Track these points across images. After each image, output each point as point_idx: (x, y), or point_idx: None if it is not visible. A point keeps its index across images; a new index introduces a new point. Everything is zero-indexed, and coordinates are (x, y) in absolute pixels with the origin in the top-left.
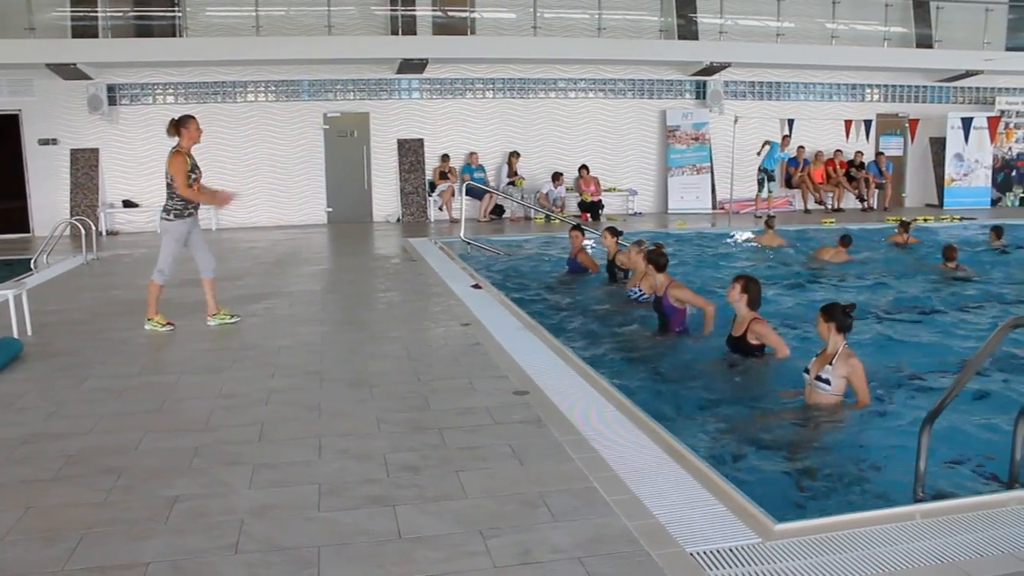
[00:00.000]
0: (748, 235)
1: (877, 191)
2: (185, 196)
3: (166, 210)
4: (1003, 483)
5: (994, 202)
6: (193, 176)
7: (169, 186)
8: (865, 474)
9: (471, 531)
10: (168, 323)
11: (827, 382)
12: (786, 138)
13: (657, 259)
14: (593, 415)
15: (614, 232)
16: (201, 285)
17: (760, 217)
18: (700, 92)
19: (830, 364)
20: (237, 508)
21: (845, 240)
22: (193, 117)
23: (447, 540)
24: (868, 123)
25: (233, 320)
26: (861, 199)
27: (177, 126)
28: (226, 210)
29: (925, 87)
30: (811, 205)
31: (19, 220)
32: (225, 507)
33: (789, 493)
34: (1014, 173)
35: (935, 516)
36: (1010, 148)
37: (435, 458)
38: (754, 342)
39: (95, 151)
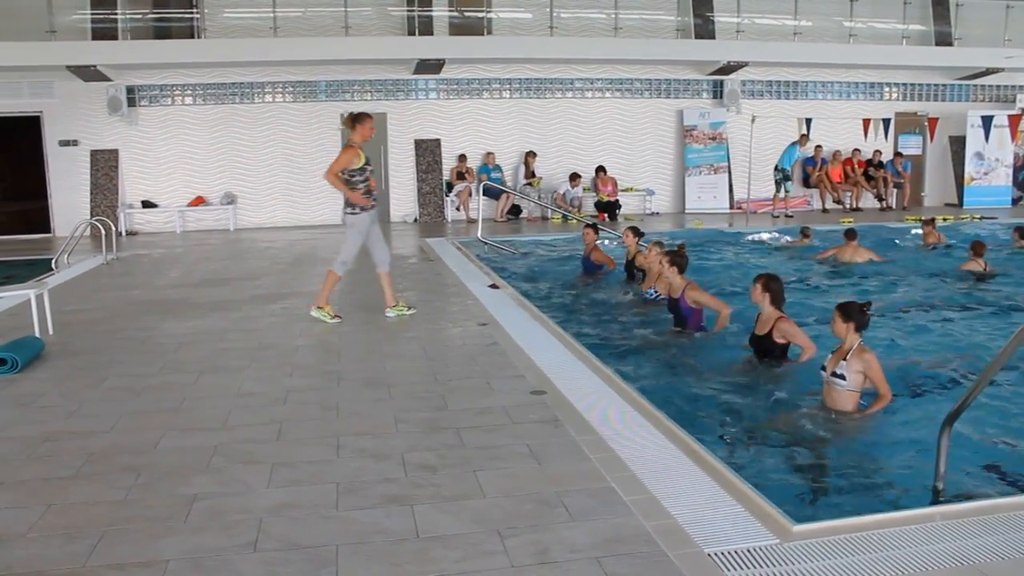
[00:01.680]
0: (769, 235)
1: (896, 190)
2: (328, 180)
3: (351, 205)
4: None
5: (1015, 201)
6: (368, 168)
7: (349, 181)
8: (884, 475)
9: (489, 530)
10: (336, 316)
11: (842, 377)
12: (804, 136)
13: (678, 260)
14: (610, 415)
15: (636, 232)
16: (379, 278)
17: (777, 217)
18: (717, 91)
19: (844, 359)
20: (255, 507)
21: (851, 234)
22: (369, 115)
23: (465, 539)
24: (887, 122)
25: (411, 312)
26: (880, 198)
27: (354, 121)
28: (245, 210)
29: (944, 85)
30: (829, 204)
31: (40, 220)
32: (244, 506)
33: (807, 494)
34: None
35: (955, 518)
36: None
37: (453, 457)
38: (780, 341)
39: (115, 152)
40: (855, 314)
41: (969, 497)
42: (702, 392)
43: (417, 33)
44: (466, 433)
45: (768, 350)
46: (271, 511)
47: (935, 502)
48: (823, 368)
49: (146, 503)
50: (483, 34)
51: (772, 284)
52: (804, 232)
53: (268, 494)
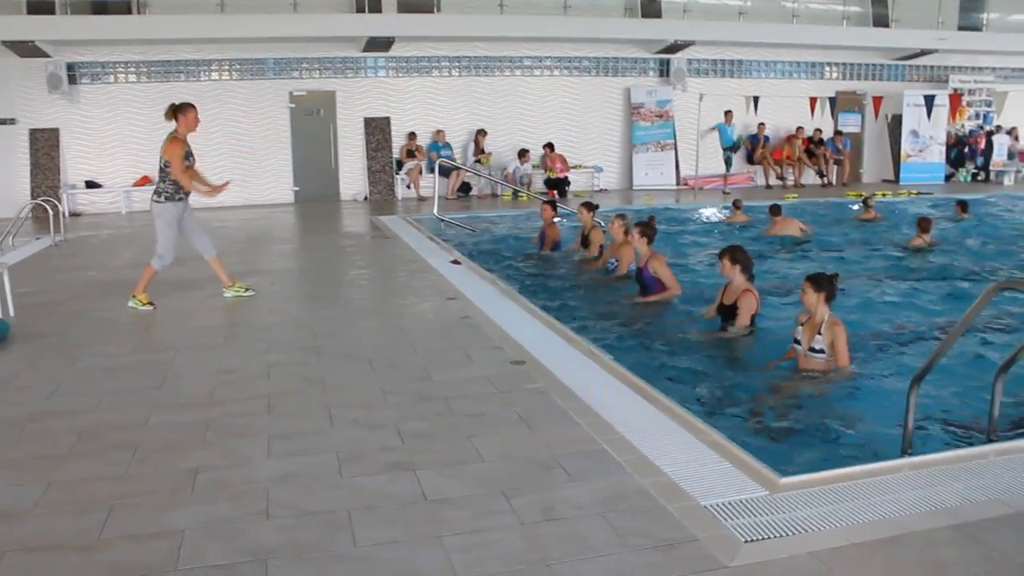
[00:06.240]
0: (718, 213)
1: (836, 167)
2: (180, 181)
3: (157, 192)
4: (983, 436)
5: (947, 177)
6: (187, 162)
7: (163, 170)
8: (857, 431)
9: (493, 491)
10: (149, 303)
11: (821, 351)
12: (728, 113)
13: (648, 230)
14: (592, 382)
15: (590, 207)
16: (208, 265)
17: (728, 193)
18: (664, 70)
19: (819, 334)
20: (260, 477)
21: (775, 209)
22: (192, 105)
23: (472, 500)
24: (832, 100)
25: (248, 293)
26: (820, 175)
27: (175, 112)
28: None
29: (882, 65)
30: (772, 181)
31: None
32: (248, 477)
33: (786, 451)
34: (967, 149)
35: (924, 468)
36: (963, 125)
37: (446, 425)
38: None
39: (55, 131)
40: (825, 285)
41: (936, 449)
42: (674, 359)
43: (366, 10)
44: (454, 402)
45: (735, 318)
46: (276, 481)
47: (905, 455)
48: (796, 341)
49: (148, 477)
50: (432, 12)
51: (739, 255)
52: (736, 204)
53: (270, 465)
